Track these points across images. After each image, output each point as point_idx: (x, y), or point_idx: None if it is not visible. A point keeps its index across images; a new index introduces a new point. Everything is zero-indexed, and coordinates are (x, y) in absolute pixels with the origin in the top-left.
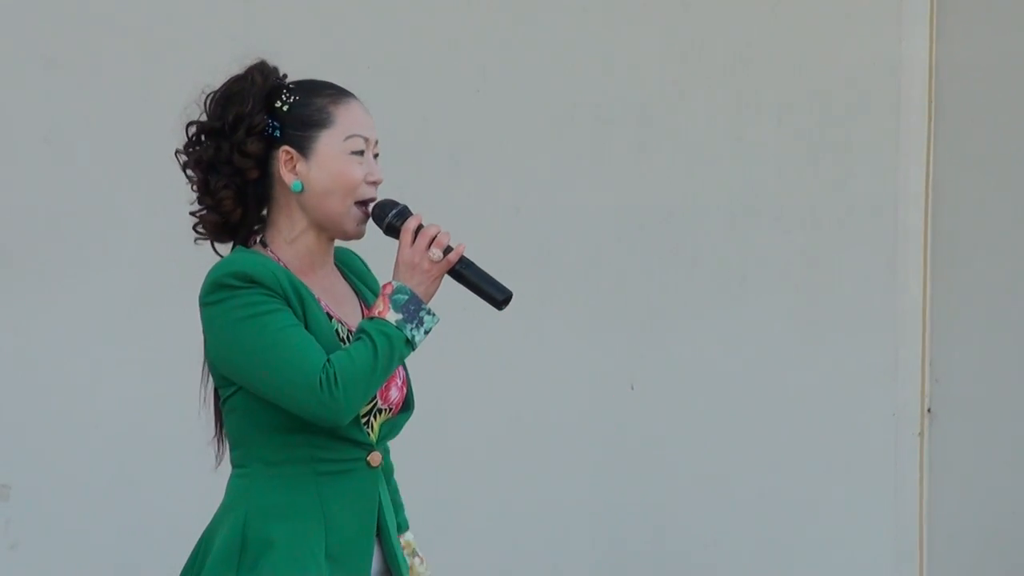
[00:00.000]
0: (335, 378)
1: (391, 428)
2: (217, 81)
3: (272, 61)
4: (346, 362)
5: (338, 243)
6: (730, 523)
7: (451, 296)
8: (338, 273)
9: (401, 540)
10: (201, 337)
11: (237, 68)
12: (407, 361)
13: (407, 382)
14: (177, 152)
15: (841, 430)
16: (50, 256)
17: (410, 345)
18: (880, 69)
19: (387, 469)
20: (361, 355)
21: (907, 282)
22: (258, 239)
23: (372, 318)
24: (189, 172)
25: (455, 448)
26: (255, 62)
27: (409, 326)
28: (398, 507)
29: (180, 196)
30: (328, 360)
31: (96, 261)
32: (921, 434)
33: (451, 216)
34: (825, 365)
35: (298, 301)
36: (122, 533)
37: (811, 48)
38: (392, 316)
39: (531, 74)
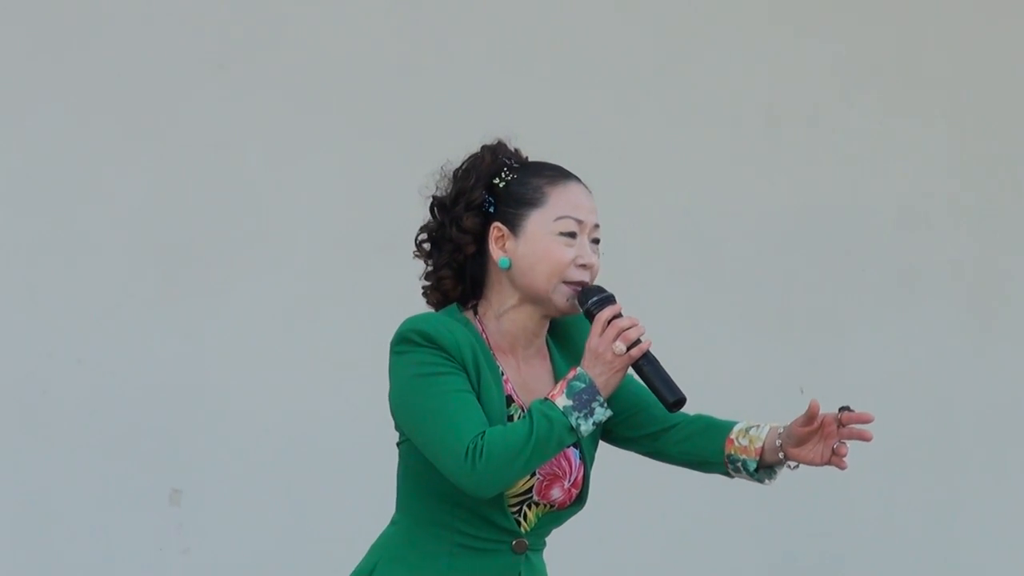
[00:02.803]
0: (481, 450)
1: (553, 520)
2: (457, 156)
3: (513, 141)
4: (498, 437)
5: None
6: (902, 526)
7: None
8: (544, 358)
9: (733, 432)
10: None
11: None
12: (596, 461)
13: (582, 483)
14: (419, 232)
15: (1015, 433)
16: (221, 261)
17: (574, 433)
18: None
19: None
20: (515, 433)
21: None
22: (473, 306)
23: (544, 400)
24: (423, 246)
25: (618, 454)
26: (493, 142)
27: (576, 414)
28: (715, 428)
29: (347, 200)
30: (483, 432)
31: (266, 266)
32: None
33: (620, 218)
34: (997, 368)
35: (475, 372)
36: (293, 538)
37: (982, 49)
38: (562, 401)
39: (701, 75)
